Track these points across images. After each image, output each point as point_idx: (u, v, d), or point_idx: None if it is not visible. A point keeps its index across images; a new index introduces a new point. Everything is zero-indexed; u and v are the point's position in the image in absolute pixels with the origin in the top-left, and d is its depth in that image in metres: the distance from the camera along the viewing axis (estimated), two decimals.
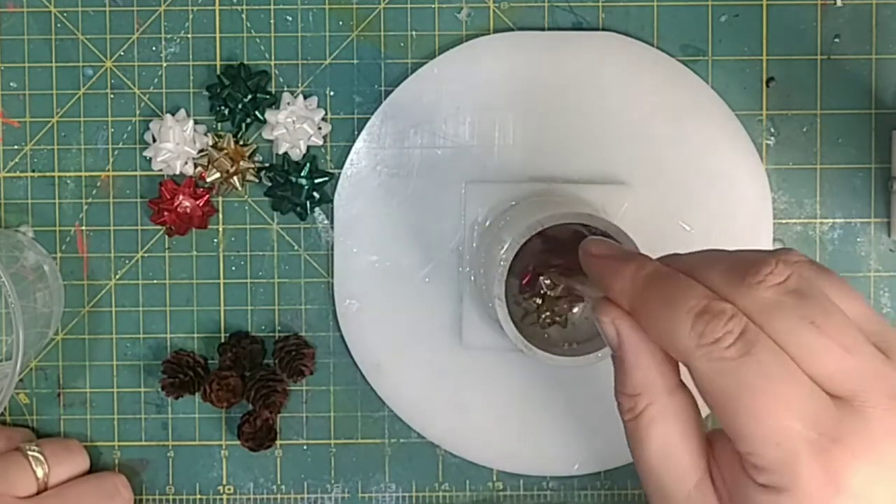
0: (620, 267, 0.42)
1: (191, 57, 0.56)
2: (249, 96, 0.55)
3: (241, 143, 0.55)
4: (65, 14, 0.55)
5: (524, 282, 0.51)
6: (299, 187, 0.55)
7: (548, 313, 0.51)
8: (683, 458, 0.41)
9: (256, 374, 0.55)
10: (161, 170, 0.55)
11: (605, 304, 0.42)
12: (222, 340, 0.56)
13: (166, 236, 0.56)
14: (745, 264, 0.40)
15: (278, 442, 0.56)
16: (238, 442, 0.55)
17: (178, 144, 0.55)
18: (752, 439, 0.38)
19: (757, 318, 0.39)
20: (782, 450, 0.37)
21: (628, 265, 0.42)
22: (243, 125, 0.55)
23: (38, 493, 0.53)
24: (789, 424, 0.37)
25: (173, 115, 0.55)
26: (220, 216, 0.56)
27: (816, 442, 0.37)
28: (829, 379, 0.38)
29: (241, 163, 0.55)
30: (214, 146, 0.55)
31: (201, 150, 0.55)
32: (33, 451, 0.53)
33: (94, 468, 0.56)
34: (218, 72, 0.55)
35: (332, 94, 0.56)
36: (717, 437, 0.42)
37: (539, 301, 0.51)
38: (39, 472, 0.53)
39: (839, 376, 0.38)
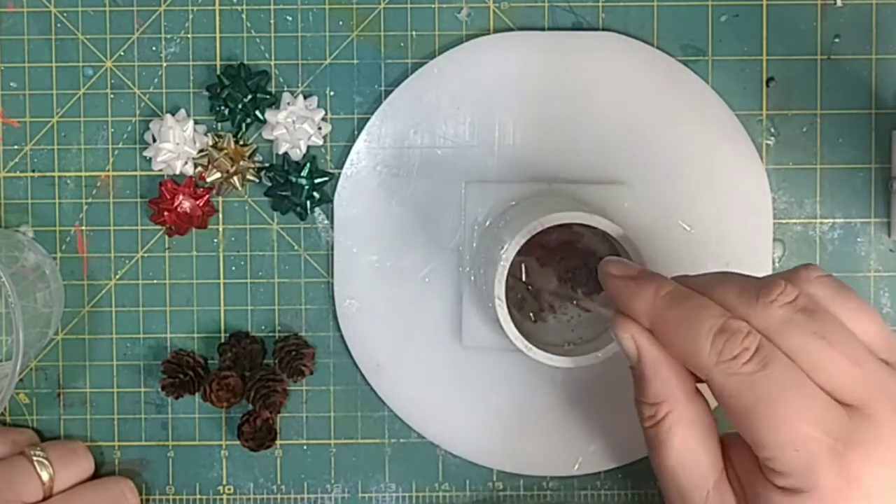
0: (640, 287, 0.44)
1: (191, 57, 0.56)
2: (249, 96, 0.55)
3: (241, 143, 0.55)
4: (65, 14, 0.55)
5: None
6: (299, 187, 0.55)
7: (540, 306, 0.51)
8: (702, 460, 0.44)
9: (256, 374, 0.55)
10: (161, 170, 0.55)
11: (624, 320, 0.45)
12: (222, 340, 0.56)
13: (166, 236, 0.56)
14: (756, 284, 0.43)
15: (278, 442, 0.56)
16: (238, 442, 0.55)
17: (178, 144, 0.55)
18: (772, 446, 0.41)
19: (770, 334, 0.42)
20: (801, 455, 0.40)
21: (648, 286, 0.44)
22: (243, 125, 0.55)
23: (44, 498, 0.52)
24: (807, 431, 0.40)
25: (173, 115, 0.55)
26: (220, 216, 0.56)
27: (833, 447, 0.40)
28: (839, 389, 0.41)
29: (241, 163, 0.55)
30: (214, 146, 0.55)
31: (201, 150, 0.55)
32: (38, 455, 0.53)
33: (96, 469, 0.56)
34: (218, 72, 0.55)
35: (332, 94, 0.56)
36: (730, 440, 0.45)
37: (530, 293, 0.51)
38: (45, 477, 0.52)
39: (849, 386, 0.41)
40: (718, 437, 0.45)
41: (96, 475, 0.56)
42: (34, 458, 0.52)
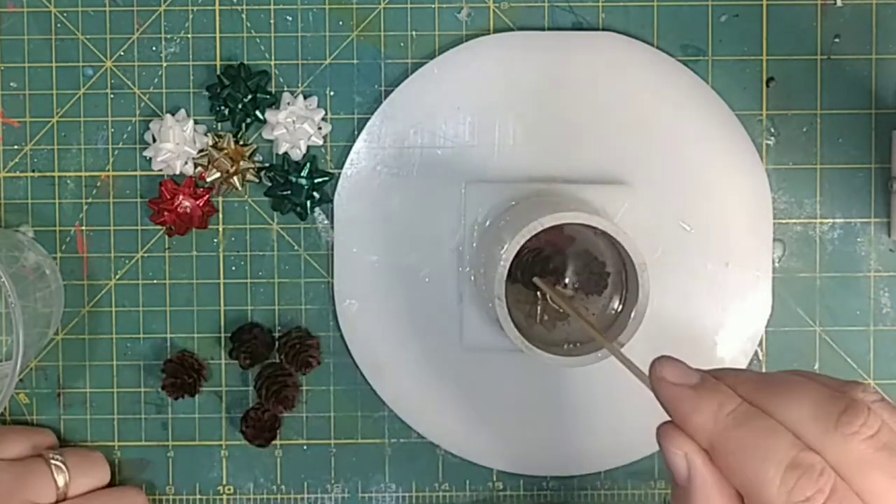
0: (701, 401, 0.40)
1: (191, 57, 0.56)
2: (249, 96, 0.55)
3: (241, 143, 0.55)
4: (65, 14, 0.55)
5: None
6: (299, 187, 0.55)
7: (546, 311, 0.51)
8: None
9: (265, 370, 0.55)
10: (161, 170, 0.55)
11: (677, 434, 0.41)
12: (229, 335, 0.56)
13: (166, 236, 0.56)
14: (835, 407, 0.39)
15: (278, 442, 0.56)
16: (238, 442, 0.55)
17: (178, 144, 0.55)
18: None
19: (846, 471, 0.38)
20: None
21: (710, 400, 0.40)
22: (243, 125, 0.55)
23: (57, 502, 0.52)
24: None
25: (173, 115, 0.55)
26: (220, 216, 0.56)
27: None
28: None
29: (241, 163, 0.55)
30: (214, 146, 0.55)
31: (201, 150, 0.55)
32: (56, 459, 0.53)
33: None
34: (218, 72, 0.55)
35: (332, 94, 0.56)
36: None
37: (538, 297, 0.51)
38: (60, 482, 0.52)
39: None
40: None
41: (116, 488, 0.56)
42: (52, 462, 0.52)
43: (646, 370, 0.43)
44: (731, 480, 0.40)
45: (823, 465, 0.38)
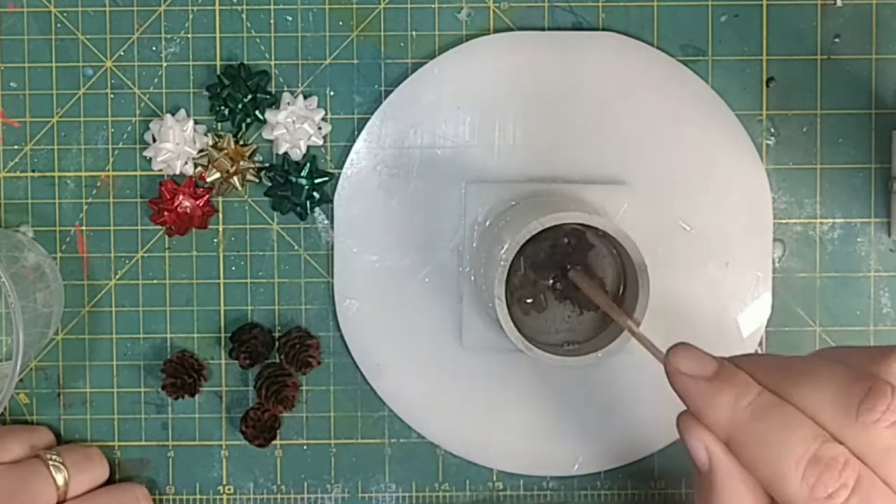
0: (717, 392, 0.39)
1: (191, 57, 0.56)
2: (249, 96, 0.55)
3: (241, 143, 0.55)
4: (65, 14, 0.55)
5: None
6: (299, 187, 0.55)
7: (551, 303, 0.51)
8: None
9: (265, 370, 0.55)
10: (161, 170, 0.55)
11: (696, 426, 0.39)
12: (229, 335, 0.56)
13: (166, 236, 0.56)
14: (855, 393, 0.37)
15: (278, 442, 0.56)
16: (238, 442, 0.55)
17: (178, 144, 0.55)
18: None
19: (872, 459, 0.37)
20: None
21: (726, 393, 0.39)
22: (243, 125, 0.55)
23: (59, 503, 0.52)
24: None
25: (173, 115, 0.55)
26: (220, 216, 0.56)
27: None
28: None
29: (241, 163, 0.55)
30: (214, 146, 0.55)
31: (201, 150, 0.55)
32: (54, 459, 0.53)
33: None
34: (218, 72, 0.55)
35: (332, 94, 0.56)
36: None
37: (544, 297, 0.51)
38: (60, 481, 0.52)
39: None
40: None
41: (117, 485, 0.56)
42: (50, 462, 0.52)
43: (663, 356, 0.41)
44: (752, 473, 0.38)
45: (847, 457, 0.37)
